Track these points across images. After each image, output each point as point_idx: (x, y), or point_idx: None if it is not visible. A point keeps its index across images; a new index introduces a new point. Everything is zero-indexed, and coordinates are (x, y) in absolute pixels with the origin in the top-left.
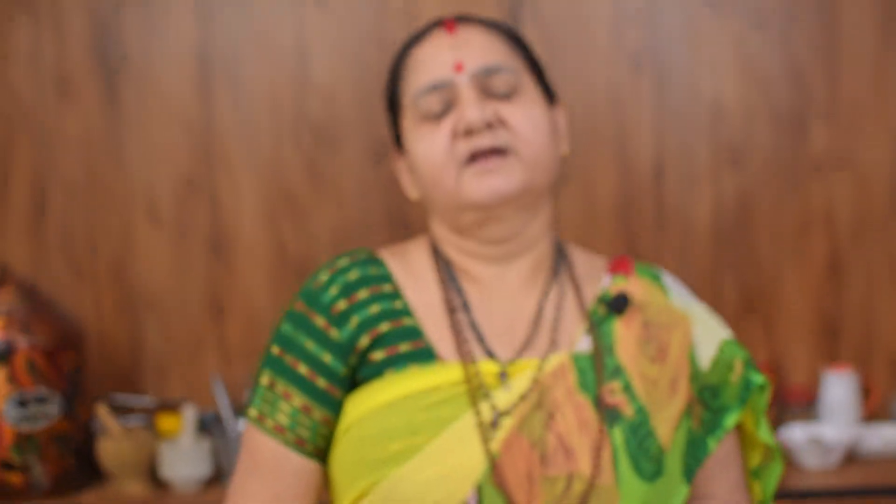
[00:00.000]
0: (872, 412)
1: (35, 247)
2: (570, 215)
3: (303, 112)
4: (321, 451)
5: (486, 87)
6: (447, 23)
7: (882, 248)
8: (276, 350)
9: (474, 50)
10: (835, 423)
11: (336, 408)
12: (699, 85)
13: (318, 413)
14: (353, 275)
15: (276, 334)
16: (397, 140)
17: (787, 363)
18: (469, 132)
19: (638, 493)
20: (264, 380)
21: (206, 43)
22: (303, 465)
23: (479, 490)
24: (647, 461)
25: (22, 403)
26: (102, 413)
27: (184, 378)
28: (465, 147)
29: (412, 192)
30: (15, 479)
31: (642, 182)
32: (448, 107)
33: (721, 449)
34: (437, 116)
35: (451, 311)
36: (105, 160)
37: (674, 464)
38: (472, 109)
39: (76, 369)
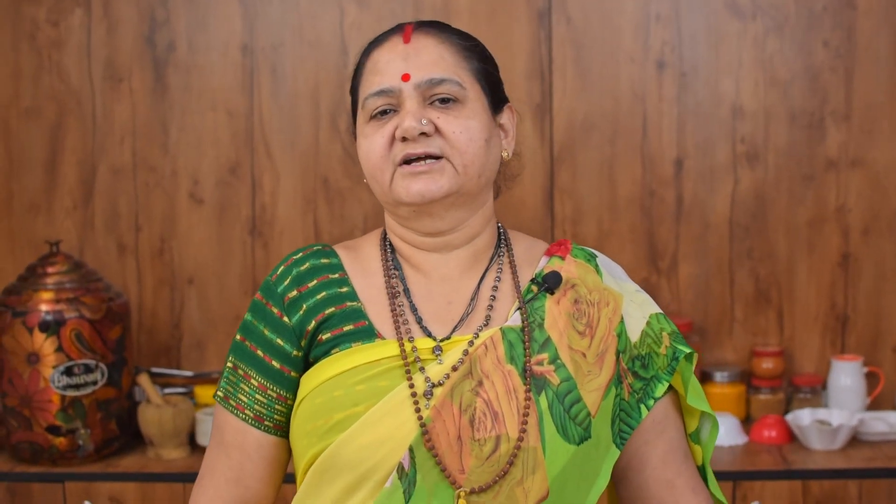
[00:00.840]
0: (878, 399)
1: (83, 225)
2: (593, 207)
3: (340, 102)
4: (280, 427)
5: (428, 97)
6: (405, 31)
7: (892, 243)
8: (238, 337)
9: (423, 61)
10: (841, 409)
11: (289, 386)
12: (719, 84)
13: (273, 391)
14: (305, 266)
15: (242, 323)
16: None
17: (797, 351)
18: (405, 139)
19: (563, 454)
20: (229, 363)
21: (250, 34)
22: (262, 440)
23: (412, 452)
24: (575, 426)
25: (69, 372)
26: (144, 382)
27: (220, 352)
28: (401, 151)
29: (366, 179)
30: (61, 442)
31: (663, 176)
32: (393, 110)
33: (654, 415)
34: (382, 118)
35: (393, 296)
36: (151, 144)
37: (602, 429)
38: (409, 118)
39: (120, 341)
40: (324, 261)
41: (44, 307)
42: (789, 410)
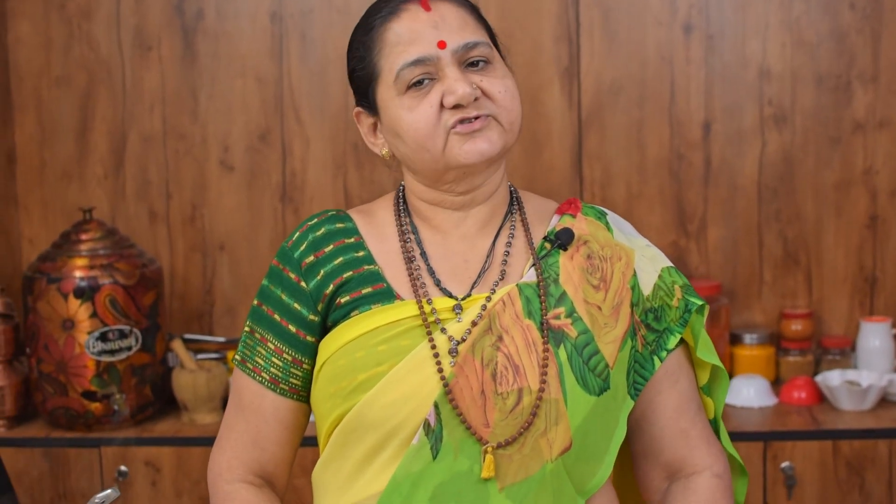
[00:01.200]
0: None
1: (115, 192)
2: (622, 170)
3: None
4: (296, 391)
5: (463, 61)
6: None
7: None
8: (256, 302)
9: (453, 27)
10: (870, 370)
11: (305, 350)
12: (746, 47)
13: (289, 355)
14: (321, 231)
15: (259, 289)
16: (365, 102)
17: (826, 313)
18: (457, 106)
19: (584, 405)
20: (247, 328)
21: (279, 1)
22: (279, 403)
23: (437, 408)
24: (594, 377)
25: (104, 337)
26: (178, 347)
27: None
28: (452, 117)
29: (379, 148)
30: (97, 407)
31: (691, 139)
32: (430, 79)
33: (668, 366)
34: (419, 87)
35: (409, 259)
36: (181, 112)
37: (619, 380)
38: (461, 85)
39: (154, 306)
40: (339, 225)
41: (78, 273)
42: (818, 372)
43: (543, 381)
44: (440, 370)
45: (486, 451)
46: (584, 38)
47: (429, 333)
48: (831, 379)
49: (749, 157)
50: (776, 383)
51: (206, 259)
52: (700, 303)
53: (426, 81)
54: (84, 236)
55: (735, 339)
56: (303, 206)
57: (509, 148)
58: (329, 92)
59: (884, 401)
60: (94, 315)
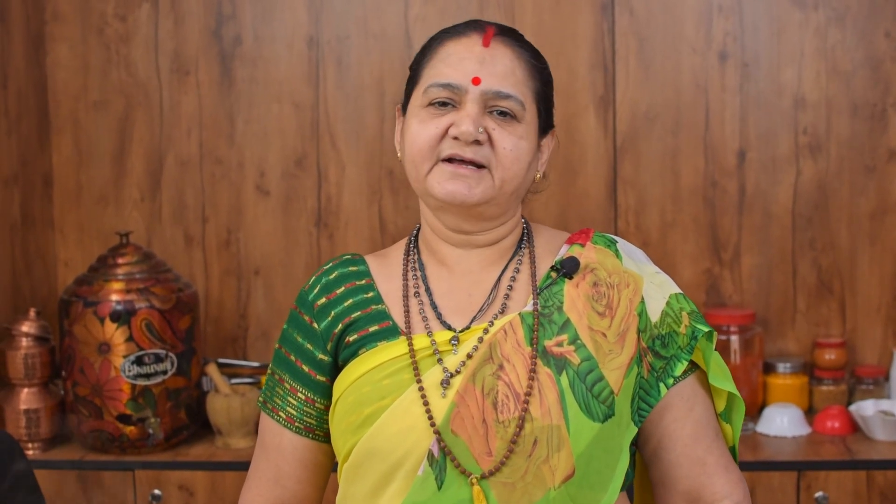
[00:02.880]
0: None
1: (151, 216)
2: (656, 197)
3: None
4: (311, 430)
5: (490, 105)
6: (486, 34)
7: None
8: (277, 345)
9: (496, 70)
10: None
11: (316, 389)
12: (781, 75)
13: (302, 394)
14: (334, 275)
15: (281, 332)
16: (405, 102)
17: (860, 342)
18: (457, 139)
19: (588, 431)
20: (269, 370)
21: (316, 27)
22: (296, 442)
23: (440, 438)
24: (598, 404)
25: (139, 361)
26: (213, 372)
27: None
28: (448, 149)
29: (399, 149)
30: (131, 431)
31: (726, 166)
32: (451, 105)
33: (682, 392)
34: (440, 108)
35: (413, 295)
36: (218, 136)
37: (624, 407)
38: (468, 123)
39: (190, 331)
40: (351, 269)
41: (115, 297)
42: (852, 401)
43: (524, 409)
44: (425, 403)
45: (472, 483)
46: (620, 65)
47: (415, 368)
48: (865, 409)
49: (784, 186)
50: (809, 412)
51: (240, 283)
52: (707, 329)
53: (448, 105)
54: (120, 260)
55: (768, 368)
56: (338, 231)
57: (497, 204)
58: (365, 117)
59: None
60: (129, 339)
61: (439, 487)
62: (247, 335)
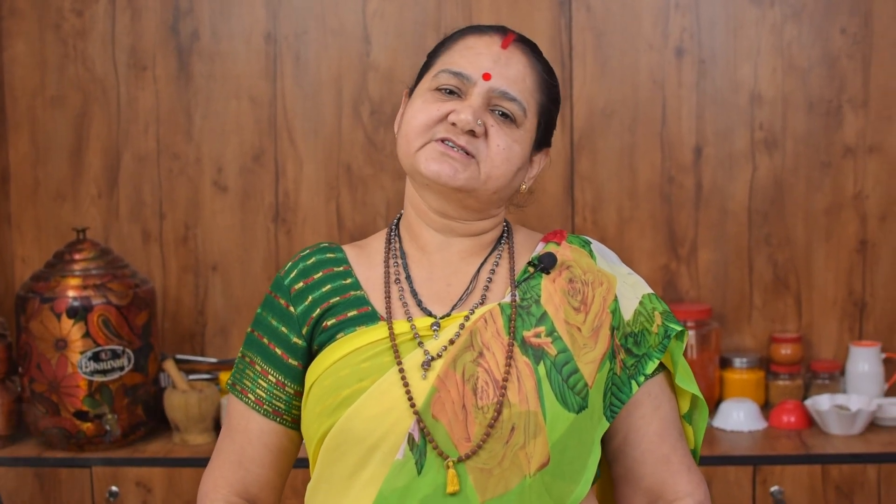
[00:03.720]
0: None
1: (108, 212)
2: (613, 193)
3: (363, 89)
4: (279, 414)
5: (493, 103)
6: (507, 38)
7: None
8: (250, 329)
9: (508, 72)
10: (859, 394)
11: (288, 373)
12: (738, 71)
13: (273, 377)
14: (311, 260)
15: (254, 317)
16: (414, 86)
17: (816, 337)
18: (454, 125)
19: (563, 421)
20: (240, 353)
21: (273, 23)
22: (263, 425)
23: (420, 422)
24: (573, 395)
25: (96, 357)
26: (170, 368)
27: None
28: (444, 132)
29: (397, 131)
30: (88, 427)
31: (683, 162)
32: (457, 95)
33: (650, 390)
34: (446, 95)
35: (393, 281)
36: (175, 132)
37: (596, 400)
38: (469, 112)
39: (147, 327)
40: (329, 255)
41: (71, 293)
42: (808, 396)
43: (502, 394)
44: (406, 385)
45: (448, 466)
46: (577, 61)
47: (395, 351)
48: (821, 403)
49: (740, 181)
50: (766, 407)
51: (198, 279)
52: (679, 328)
53: (454, 94)
54: (77, 256)
55: (725, 363)
56: (295, 227)
57: (476, 197)
58: (323, 113)
59: (873, 425)
60: (86, 335)
61: (419, 472)
62: (205, 331)
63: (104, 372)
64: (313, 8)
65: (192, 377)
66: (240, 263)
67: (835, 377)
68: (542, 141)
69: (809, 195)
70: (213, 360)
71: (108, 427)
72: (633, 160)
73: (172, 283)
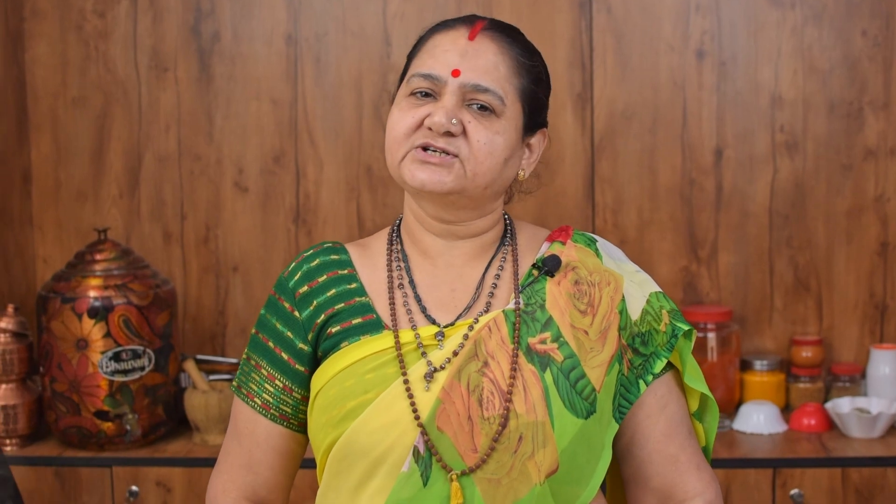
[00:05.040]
0: None
1: (129, 213)
2: (634, 195)
3: (383, 90)
4: (286, 418)
5: (468, 98)
6: (473, 28)
7: None
8: (254, 330)
9: (478, 64)
10: (880, 397)
11: (294, 378)
12: (759, 73)
13: (280, 381)
14: (315, 262)
15: (258, 318)
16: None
17: (837, 340)
18: (430, 129)
19: (572, 427)
20: (244, 355)
21: (294, 24)
22: (270, 429)
23: (425, 434)
24: (581, 400)
25: (117, 357)
26: (190, 368)
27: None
28: (422, 138)
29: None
30: (109, 427)
31: (703, 164)
32: (432, 96)
33: (657, 390)
34: (421, 98)
35: (397, 287)
36: (196, 133)
37: (605, 403)
38: (441, 114)
39: (167, 327)
40: (333, 257)
41: (92, 293)
42: (828, 399)
43: (508, 404)
44: (411, 397)
45: (451, 479)
46: (598, 63)
47: (401, 362)
48: (841, 406)
49: (760, 183)
50: (786, 410)
51: (219, 280)
52: (687, 328)
53: (429, 96)
54: (98, 256)
55: (745, 366)
56: (316, 228)
57: (469, 196)
58: (343, 115)
59: (893, 428)
60: (107, 335)
61: (425, 484)
62: (225, 332)
63: (125, 372)
64: (334, 10)
65: (212, 377)
66: (260, 264)
67: (855, 380)
68: (534, 124)
69: (830, 197)
70: (234, 360)
71: (128, 427)
72: (653, 162)
73: (193, 283)
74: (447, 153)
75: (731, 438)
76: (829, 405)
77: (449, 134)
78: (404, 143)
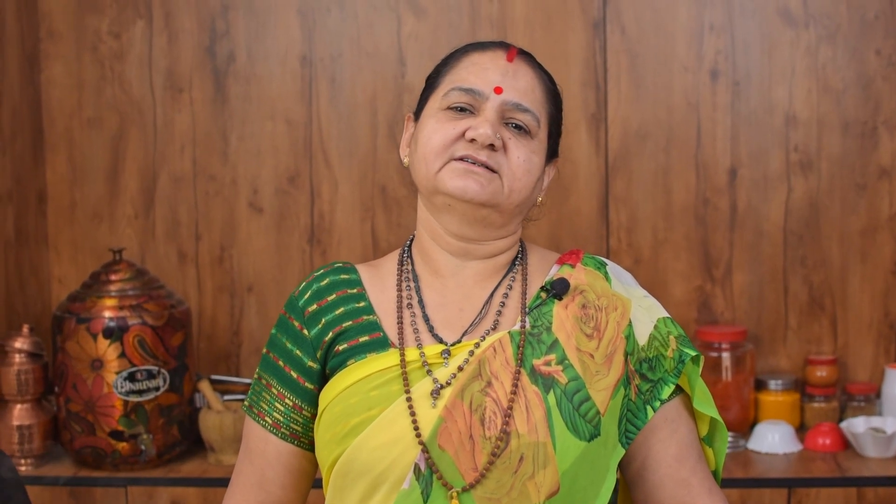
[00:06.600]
0: None
1: (144, 233)
2: (648, 215)
3: (398, 111)
4: (297, 437)
5: (507, 117)
6: (511, 51)
7: None
8: (265, 350)
9: (518, 84)
10: (895, 416)
11: (304, 396)
12: (773, 93)
13: (290, 400)
14: (325, 281)
15: (269, 337)
16: (419, 109)
17: (851, 359)
18: (474, 141)
19: (574, 449)
20: (256, 374)
21: (309, 45)
22: (281, 448)
23: (426, 451)
24: (585, 423)
25: (132, 377)
26: (205, 388)
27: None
28: (463, 150)
29: (404, 156)
30: (124, 447)
31: (718, 183)
32: (469, 111)
33: (667, 414)
34: (458, 113)
35: (405, 306)
36: (211, 153)
37: (610, 427)
38: (487, 127)
39: (182, 347)
40: (343, 276)
41: (107, 314)
42: (843, 418)
43: (508, 424)
44: (412, 414)
45: (451, 497)
46: (612, 83)
47: (405, 380)
48: (856, 426)
49: (775, 203)
50: (801, 429)
51: (234, 300)
52: (694, 353)
53: (467, 111)
54: (113, 277)
55: (760, 385)
56: (331, 248)
57: (500, 211)
58: (358, 135)
59: None
60: (122, 355)
61: (425, 501)
62: (240, 351)
63: (140, 392)
64: (348, 30)
65: (226, 398)
66: (275, 284)
67: (870, 399)
68: (552, 152)
69: (845, 217)
70: (248, 380)
71: (143, 447)
72: (667, 182)
73: (208, 303)
74: (488, 168)
75: (746, 458)
76: (843, 425)
77: (490, 148)
78: (443, 154)
